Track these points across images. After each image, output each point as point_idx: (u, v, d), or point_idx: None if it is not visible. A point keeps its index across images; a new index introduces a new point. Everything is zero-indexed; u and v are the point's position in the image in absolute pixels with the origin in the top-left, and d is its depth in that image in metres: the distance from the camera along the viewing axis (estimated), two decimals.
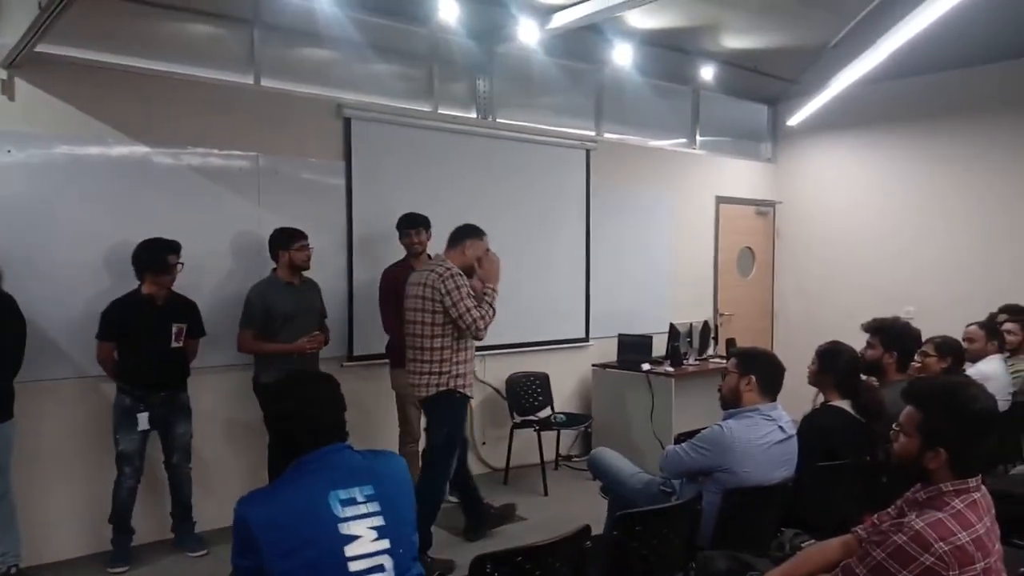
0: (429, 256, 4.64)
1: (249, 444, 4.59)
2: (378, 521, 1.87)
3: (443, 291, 3.76)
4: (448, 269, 3.82)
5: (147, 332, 3.93)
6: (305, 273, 4.44)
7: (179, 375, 4.11)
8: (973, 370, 4.08)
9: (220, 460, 4.54)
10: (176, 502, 4.21)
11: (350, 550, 1.82)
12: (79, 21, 3.75)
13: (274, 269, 4.36)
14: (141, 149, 4.26)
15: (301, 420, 1.95)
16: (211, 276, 4.42)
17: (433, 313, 3.81)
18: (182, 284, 4.08)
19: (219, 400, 4.52)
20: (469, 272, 3.94)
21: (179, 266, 3.97)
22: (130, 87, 4.23)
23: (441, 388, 3.88)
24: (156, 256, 3.92)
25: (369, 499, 1.88)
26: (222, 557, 4.05)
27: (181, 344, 4.05)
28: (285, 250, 4.30)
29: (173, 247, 3.96)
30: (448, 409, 3.95)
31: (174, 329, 4.01)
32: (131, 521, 4.03)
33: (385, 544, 1.86)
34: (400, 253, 4.75)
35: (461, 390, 3.94)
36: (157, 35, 4.46)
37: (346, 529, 1.83)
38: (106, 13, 4.18)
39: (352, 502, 1.86)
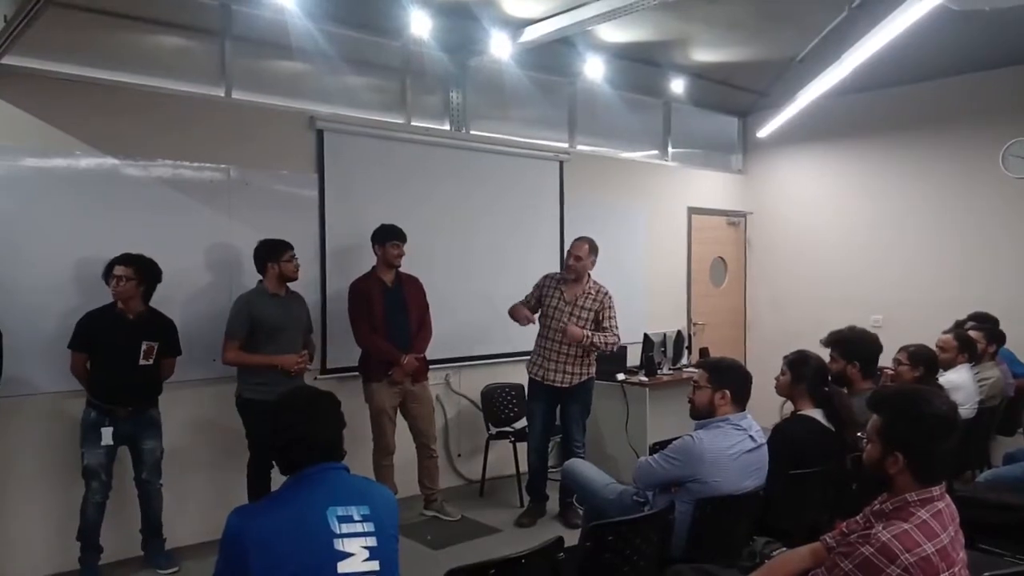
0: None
1: (223, 460, 4.54)
2: (371, 542, 1.88)
3: (608, 304, 4.80)
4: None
5: (115, 347, 3.88)
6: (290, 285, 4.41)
7: (146, 393, 4.03)
8: (944, 379, 4.14)
9: (193, 476, 4.48)
10: (146, 519, 4.13)
11: (342, 567, 1.82)
12: (47, 34, 3.71)
13: (260, 281, 4.32)
14: (110, 162, 4.22)
15: (301, 435, 1.96)
16: (182, 289, 4.36)
17: (594, 320, 4.77)
18: (153, 298, 4.03)
19: (192, 415, 4.47)
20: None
21: (121, 280, 3.84)
22: (99, 100, 4.19)
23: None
24: (106, 268, 3.87)
25: (365, 519, 1.90)
26: (193, 573, 4.01)
27: (150, 362, 3.98)
28: (274, 262, 4.27)
29: (120, 259, 3.88)
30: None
31: (144, 347, 3.94)
32: (99, 538, 3.95)
33: (375, 565, 1.87)
34: (370, 265, 4.75)
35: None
36: (127, 47, 4.42)
37: (341, 545, 1.84)
38: (75, 26, 4.14)
39: (349, 519, 1.88)
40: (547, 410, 4.90)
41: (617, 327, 4.81)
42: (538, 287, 4.91)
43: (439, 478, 5.02)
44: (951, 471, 2.12)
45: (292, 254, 4.32)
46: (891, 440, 1.95)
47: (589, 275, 4.82)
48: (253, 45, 4.83)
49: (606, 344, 4.75)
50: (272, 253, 4.28)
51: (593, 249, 4.79)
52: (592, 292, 4.79)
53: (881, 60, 4.96)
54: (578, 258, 4.73)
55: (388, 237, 4.67)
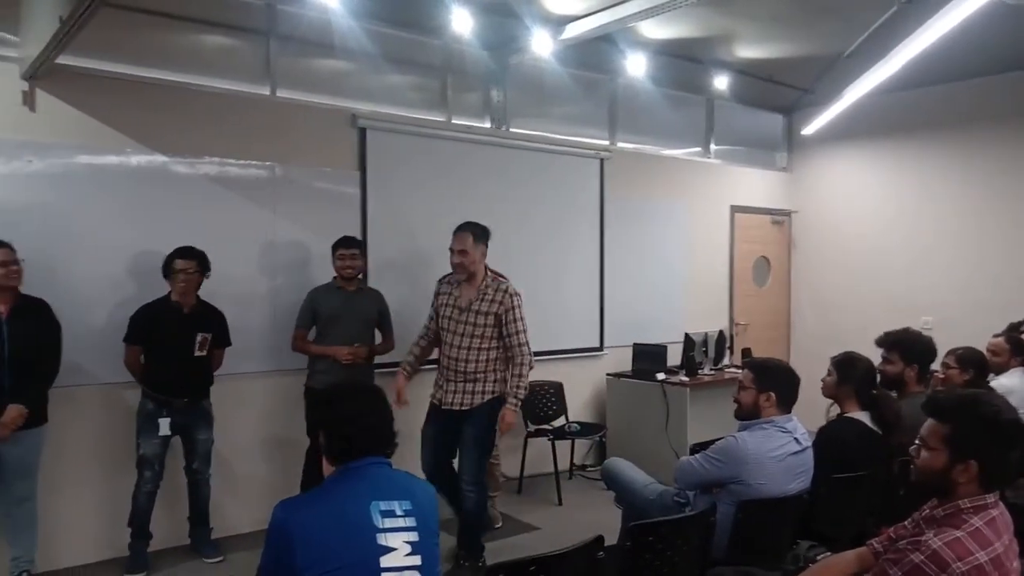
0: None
1: (272, 452, 4.64)
2: (413, 536, 1.89)
3: (512, 304, 3.89)
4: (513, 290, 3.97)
5: (171, 339, 3.97)
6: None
7: (201, 384, 4.13)
8: (995, 383, 4.02)
9: (243, 467, 4.57)
10: (194, 508, 4.23)
11: (385, 561, 1.83)
12: (99, 33, 3.79)
13: (335, 276, 4.48)
14: (159, 159, 4.31)
15: (358, 426, 1.97)
16: (230, 284, 4.43)
17: (495, 327, 3.91)
18: (201, 292, 4.11)
19: (243, 407, 4.55)
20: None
21: (185, 273, 3.94)
22: (149, 98, 4.29)
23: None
24: (166, 262, 3.97)
25: (407, 513, 1.91)
26: (238, 563, 4.08)
27: (204, 353, 4.08)
28: (333, 257, 4.43)
29: (181, 252, 3.98)
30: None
31: (198, 338, 4.04)
32: (149, 526, 4.05)
33: (417, 560, 1.88)
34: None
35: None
36: (175, 47, 4.51)
37: (384, 540, 1.85)
38: (126, 26, 4.24)
39: (392, 514, 1.89)
40: (436, 434, 4.04)
41: (524, 333, 3.92)
42: (435, 296, 4.14)
43: (496, 483, 4.96)
44: (1015, 478, 2.04)
45: (344, 251, 4.40)
46: (963, 448, 1.86)
47: (487, 270, 3.97)
48: (297, 44, 4.89)
49: (520, 380, 3.89)
50: (333, 249, 4.42)
51: (480, 236, 3.90)
52: (489, 292, 3.89)
53: (930, 56, 4.83)
54: (462, 252, 3.85)
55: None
